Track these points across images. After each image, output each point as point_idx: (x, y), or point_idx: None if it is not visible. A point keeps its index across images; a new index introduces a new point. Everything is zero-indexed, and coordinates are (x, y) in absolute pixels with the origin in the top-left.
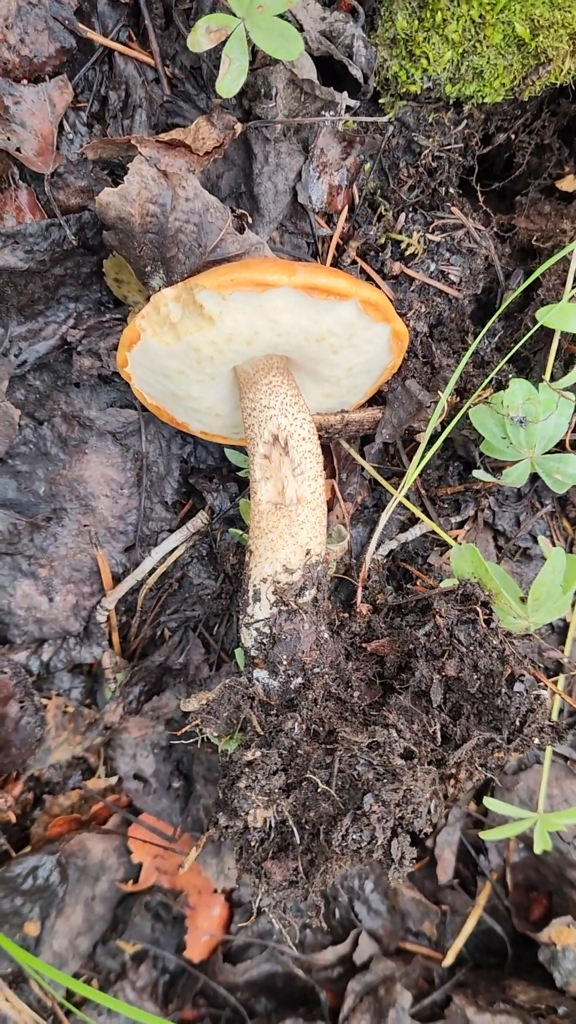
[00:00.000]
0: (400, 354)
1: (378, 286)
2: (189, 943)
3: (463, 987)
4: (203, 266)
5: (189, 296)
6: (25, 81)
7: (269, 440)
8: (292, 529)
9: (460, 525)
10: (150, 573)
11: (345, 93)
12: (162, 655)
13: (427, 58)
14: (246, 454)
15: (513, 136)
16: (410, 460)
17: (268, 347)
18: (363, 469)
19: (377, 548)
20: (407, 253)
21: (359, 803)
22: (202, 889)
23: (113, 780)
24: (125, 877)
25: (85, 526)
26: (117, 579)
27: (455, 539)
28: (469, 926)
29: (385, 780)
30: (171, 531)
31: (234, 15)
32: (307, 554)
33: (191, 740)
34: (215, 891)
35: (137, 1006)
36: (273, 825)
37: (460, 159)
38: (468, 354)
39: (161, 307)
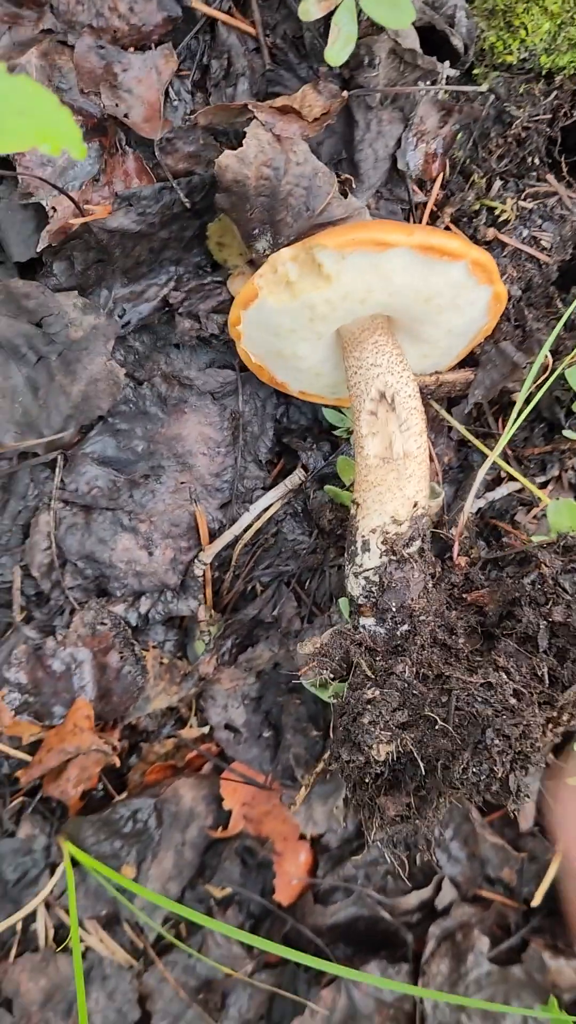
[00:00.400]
0: (496, 317)
1: None
2: (278, 887)
3: (540, 932)
4: (310, 229)
5: (308, 255)
6: (132, 49)
7: (376, 397)
8: (400, 482)
9: (543, 485)
10: (245, 529)
11: (447, 63)
12: (255, 608)
13: (525, 29)
14: (342, 413)
15: None
16: (496, 421)
17: (379, 306)
18: (450, 430)
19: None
20: (500, 220)
21: (480, 737)
22: (288, 836)
23: (205, 729)
24: (214, 824)
25: (183, 483)
26: (214, 535)
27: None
28: (552, 871)
29: (504, 715)
30: (265, 488)
31: None
32: (414, 506)
33: (310, 681)
34: (301, 837)
35: (225, 948)
36: (394, 759)
37: (547, 130)
38: (567, 315)
39: (279, 266)
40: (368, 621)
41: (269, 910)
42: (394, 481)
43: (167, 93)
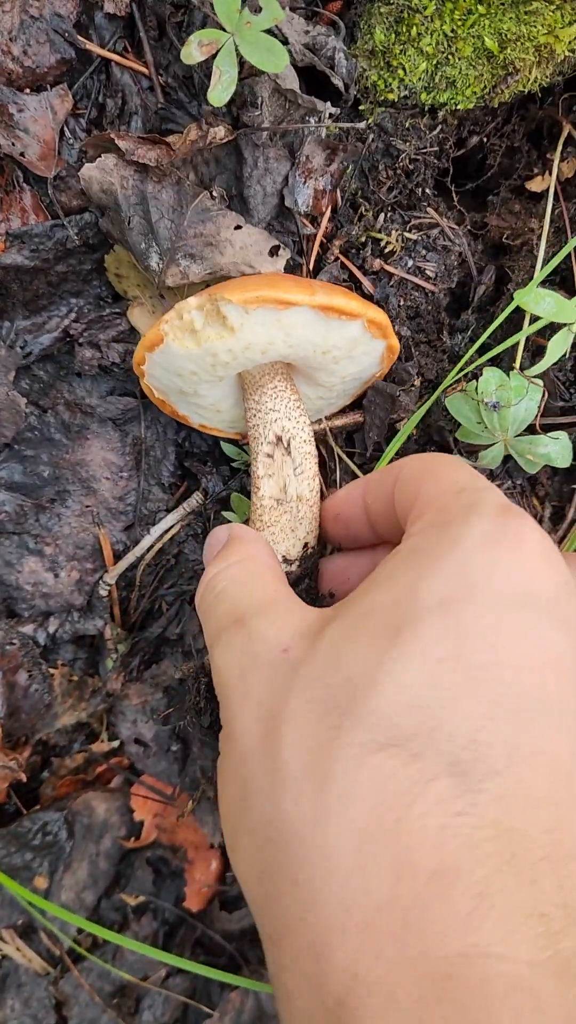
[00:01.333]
0: (388, 364)
1: (359, 282)
2: (188, 894)
3: None
4: (187, 237)
5: (213, 307)
6: (28, 90)
7: (273, 440)
8: (292, 524)
9: None
10: (148, 550)
11: (328, 102)
12: (160, 627)
13: (403, 69)
14: (238, 447)
15: (485, 139)
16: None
17: (279, 356)
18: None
19: None
20: (387, 251)
21: None
22: (199, 844)
23: (115, 744)
24: (127, 834)
25: (87, 506)
26: (118, 556)
27: None
28: None
29: None
30: (168, 511)
31: (224, 30)
32: (305, 547)
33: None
34: (211, 846)
35: (139, 954)
36: None
37: (435, 161)
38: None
39: (184, 314)
40: None
41: (183, 917)
42: (287, 523)
43: (62, 132)
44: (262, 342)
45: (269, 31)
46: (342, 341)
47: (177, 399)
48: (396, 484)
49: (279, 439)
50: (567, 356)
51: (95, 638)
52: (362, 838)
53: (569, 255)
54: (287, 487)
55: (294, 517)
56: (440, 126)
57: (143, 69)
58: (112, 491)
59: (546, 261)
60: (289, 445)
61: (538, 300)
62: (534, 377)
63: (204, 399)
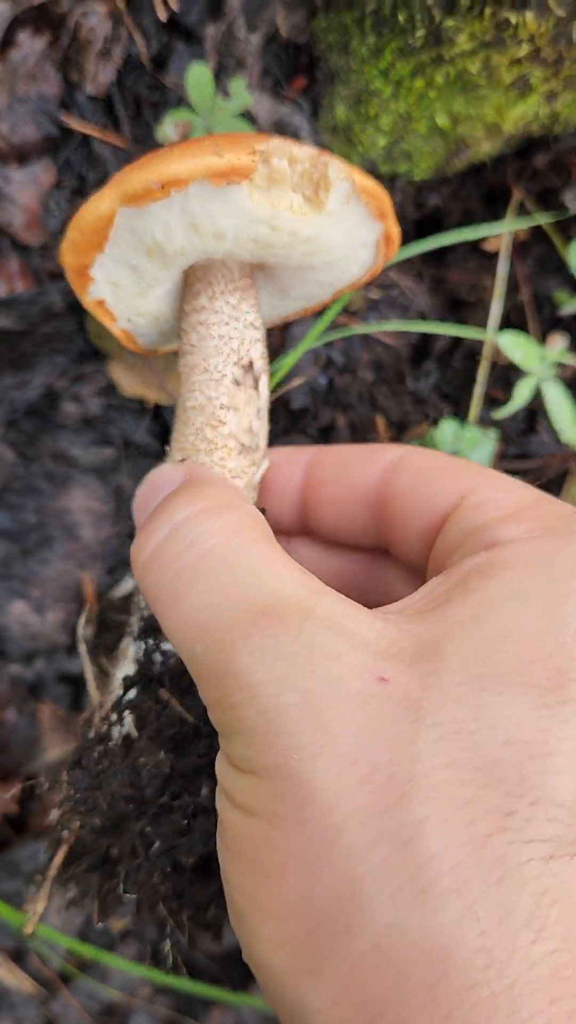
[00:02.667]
0: (373, 272)
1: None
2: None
3: None
4: None
5: (321, 172)
6: (15, 164)
7: (246, 365)
8: (253, 483)
9: None
10: (130, 592)
11: None
12: None
13: (363, 144)
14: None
15: (441, 203)
16: None
17: (302, 253)
18: None
19: None
20: (352, 309)
21: None
22: None
23: None
24: None
25: (71, 551)
26: (101, 598)
27: None
28: None
29: None
30: None
31: (196, 112)
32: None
33: None
34: None
35: (125, 974)
36: None
37: None
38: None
39: (277, 159)
40: None
41: (168, 936)
42: (250, 479)
43: (47, 203)
44: (335, 240)
45: (239, 114)
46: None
47: (120, 292)
48: (395, 478)
49: (251, 365)
50: (524, 404)
51: (80, 676)
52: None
53: (522, 309)
54: (251, 430)
55: (254, 475)
56: (399, 193)
57: (122, 144)
58: (95, 536)
59: (500, 315)
60: (259, 380)
61: (514, 345)
62: (495, 422)
63: (154, 290)
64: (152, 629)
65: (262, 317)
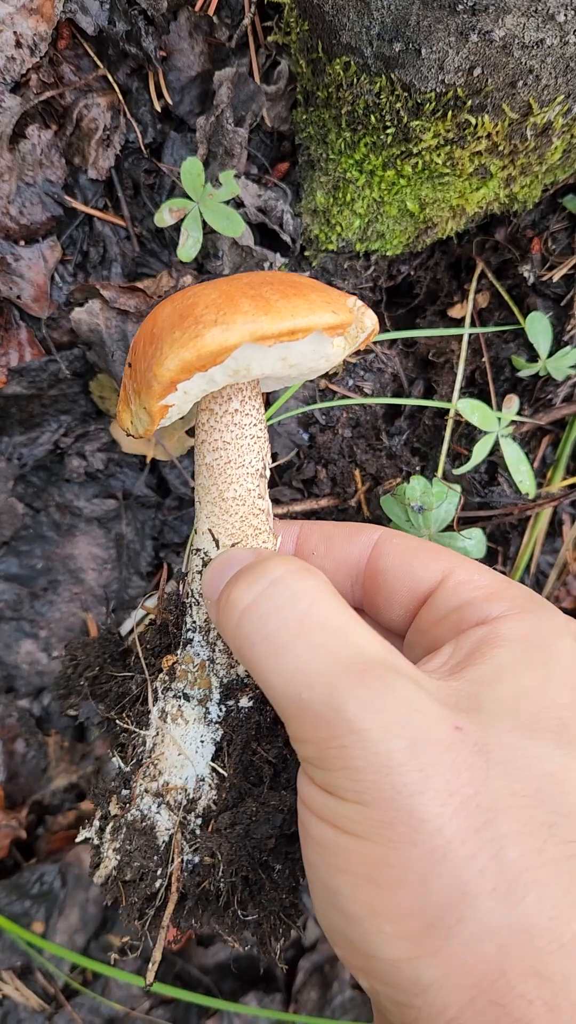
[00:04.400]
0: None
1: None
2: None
3: None
4: None
5: (359, 321)
6: (23, 242)
7: (268, 460)
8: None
9: None
10: (130, 632)
11: (278, 252)
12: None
13: (341, 225)
14: None
15: (412, 273)
16: None
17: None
18: None
19: None
20: (330, 373)
21: None
22: None
23: None
24: None
25: (76, 594)
26: None
27: None
28: None
29: None
30: (147, 595)
31: (190, 199)
32: None
33: None
34: None
35: (125, 989)
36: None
37: (370, 295)
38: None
39: (358, 314)
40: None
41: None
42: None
43: (53, 277)
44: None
45: (228, 201)
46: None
47: (185, 398)
48: (380, 557)
49: (266, 467)
50: (482, 460)
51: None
52: None
53: (485, 371)
54: (269, 515)
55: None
56: (373, 267)
57: (121, 223)
58: (97, 580)
59: (464, 376)
60: (265, 475)
61: (472, 409)
62: (458, 477)
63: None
64: (233, 690)
65: None
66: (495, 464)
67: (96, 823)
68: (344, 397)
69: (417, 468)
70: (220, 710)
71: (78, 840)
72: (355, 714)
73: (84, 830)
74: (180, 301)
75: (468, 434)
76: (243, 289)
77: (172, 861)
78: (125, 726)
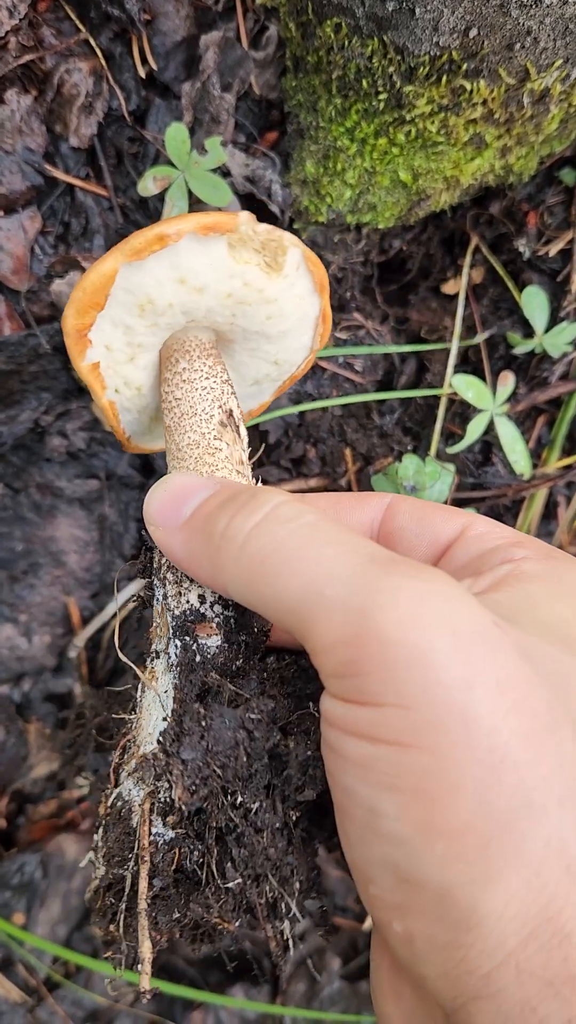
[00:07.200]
0: (321, 341)
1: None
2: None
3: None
4: None
5: (279, 244)
6: (1, 213)
7: (227, 411)
8: None
9: None
10: (113, 616)
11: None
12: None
13: (331, 196)
14: None
15: (404, 247)
16: None
17: (254, 320)
18: None
19: None
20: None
21: None
22: None
23: (84, 790)
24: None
25: (57, 577)
26: (85, 621)
27: None
28: None
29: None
30: (130, 580)
31: (175, 167)
32: None
33: None
34: None
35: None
36: None
37: (361, 269)
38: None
39: (246, 226)
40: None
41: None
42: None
43: (33, 249)
44: (288, 306)
45: (214, 170)
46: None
47: (112, 356)
48: (396, 516)
49: (231, 414)
50: (477, 439)
51: (65, 695)
52: None
53: (479, 348)
54: (243, 462)
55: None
56: (364, 240)
57: (104, 192)
58: (79, 563)
59: (457, 354)
60: (239, 427)
61: (467, 386)
62: (452, 456)
63: (138, 361)
64: (186, 623)
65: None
66: (489, 444)
67: (95, 838)
68: (333, 374)
69: (409, 447)
70: (175, 648)
71: (82, 864)
72: (389, 601)
73: (89, 854)
74: None
75: (462, 413)
76: None
77: (140, 838)
78: (119, 717)
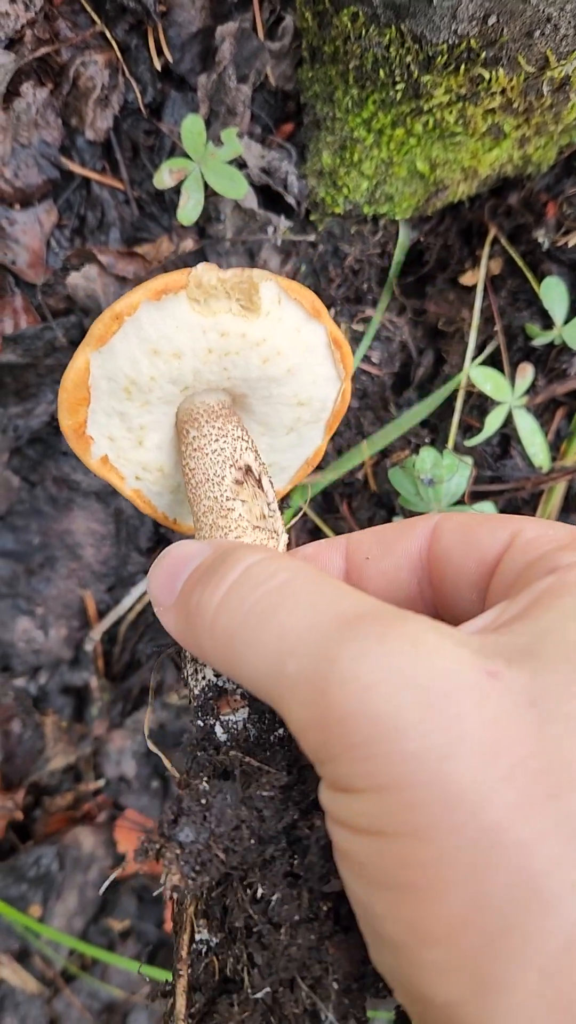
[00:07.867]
0: (343, 404)
1: None
2: (168, 918)
3: None
4: None
5: (250, 283)
6: (18, 206)
7: (243, 468)
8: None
9: None
10: (129, 609)
11: (282, 215)
12: (140, 677)
13: (347, 187)
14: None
15: (422, 238)
16: (346, 507)
17: (259, 373)
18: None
19: None
20: None
21: None
22: None
23: (100, 783)
24: (113, 865)
25: (73, 570)
26: (102, 614)
27: None
28: None
29: None
30: (146, 573)
31: (191, 159)
32: None
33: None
34: None
35: (124, 973)
36: None
37: (378, 261)
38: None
39: (207, 277)
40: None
41: (164, 939)
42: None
43: (48, 242)
44: (278, 341)
45: (230, 161)
46: (318, 345)
47: (117, 445)
48: (441, 536)
49: (249, 469)
50: (495, 432)
51: (82, 688)
52: None
53: (498, 340)
54: (265, 516)
55: (277, 548)
56: (381, 231)
57: (120, 185)
58: (96, 556)
59: (475, 346)
60: (260, 480)
61: (485, 378)
62: (469, 449)
63: (147, 443)
64: (208, 700)
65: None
66: (508, 436)
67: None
68: None
69: (427, 440)
70: (194, 728)
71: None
72: (349, 671)
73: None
74: None
75: (480, 405)
76: None
77: (178, 949)
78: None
